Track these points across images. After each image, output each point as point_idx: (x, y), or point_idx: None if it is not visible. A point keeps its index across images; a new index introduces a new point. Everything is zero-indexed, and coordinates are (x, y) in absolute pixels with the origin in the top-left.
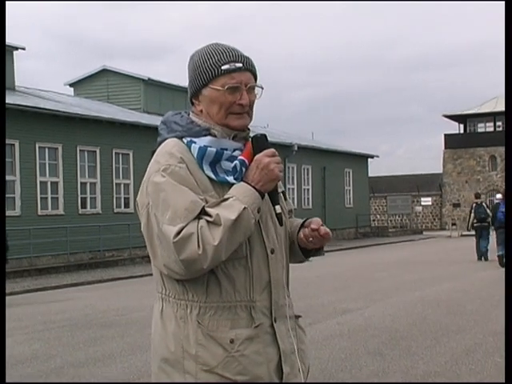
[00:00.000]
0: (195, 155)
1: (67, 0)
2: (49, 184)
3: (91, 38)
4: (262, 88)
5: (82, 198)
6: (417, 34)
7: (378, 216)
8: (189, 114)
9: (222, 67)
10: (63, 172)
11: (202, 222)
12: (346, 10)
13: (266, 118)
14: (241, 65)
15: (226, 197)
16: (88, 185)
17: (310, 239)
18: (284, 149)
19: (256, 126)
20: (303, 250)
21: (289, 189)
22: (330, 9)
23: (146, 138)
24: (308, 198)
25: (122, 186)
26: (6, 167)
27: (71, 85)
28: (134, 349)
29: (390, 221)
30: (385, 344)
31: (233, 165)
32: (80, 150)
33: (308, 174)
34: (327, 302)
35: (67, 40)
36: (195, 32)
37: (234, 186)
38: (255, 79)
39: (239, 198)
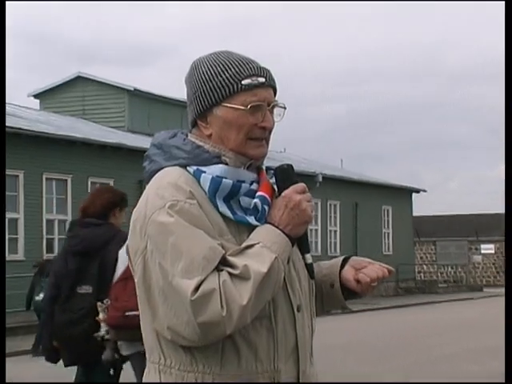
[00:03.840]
0: (206, 188)
1: None
2: (6, 221)
3: (63, 37)
4: (285, 108)
5: (47, 239)
6: (471, 37)
7: (425, 267)
8: (186, 135)
9: (243, 82)
10: (25, 206)
11: (225, 275)
12: (383, 7)
13: (281, 141)
14: (263, 79)
15: (249, 243)
16: (56, 223)
17: (373, 283)
18: (305, 180)
19: (270, 151)
20: (346, 291)
21: (311, 230)
22: (362, 7)
23: (130, 163)
24: (335, 243)
25: None
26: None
27: (37, 96)
28: None
29: (441, 273)
30: None
31: (253, 203)
32: (47, 179)
33: (335, 212)
34: (359, 376)
35: (32, 40)
36: (194, 33)
37: (258, 228)
38: (275, 96)
39: (267, 245)
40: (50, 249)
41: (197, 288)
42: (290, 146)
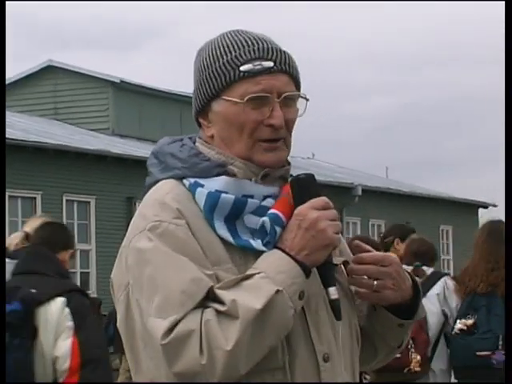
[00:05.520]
0: (202, 205)
1: None
2: None
3: (28, 15)
4: (307, 99)
5: None
6: None
7: None
8: (195, 142)
9: (242, 67)
10: None
11: (209, 314)
12: None
13: (309, 144)
14: (271, 63)
15: (249, 272)
16: None
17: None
18: (341, 193)
19: (295, 157)
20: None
21: None
22: None
23: (117, 176)
24: None
25: (79, 253)
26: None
27: None
28: None
29: None
30: None
31: (260, 222)
32: (10, 197)
33: (380, 234)
34: None
35: None
36: (196, 7)
37: (264, 255)
38: (297, 86)
39: (270, 276)
40: None
41: (171, 329)
42: (320, 150)
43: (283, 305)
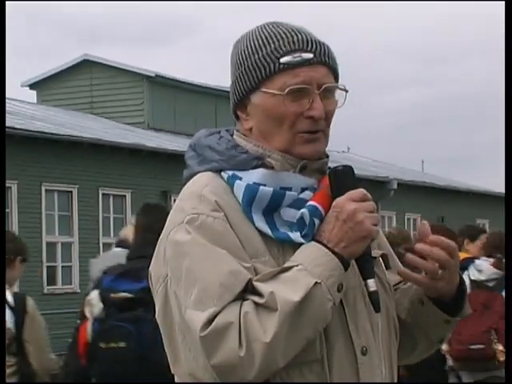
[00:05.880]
0: (240, 198)
1: None
2: None
3: (64, 11)
4: (346, 91)
5: (48, 268)
6: None
7: None
8: (232, 135)
9: (281, 59)
10: (18, 226)
11: (248, 306)
12: None
13: (344, 138)
14: (311, 55)
15: (287, 265)
16: (59, 246)
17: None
18: (376, 187)
19: (330, 151)
20: (439, 303)
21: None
22: None
23: (151, 169)
24: None
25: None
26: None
27: (33, 86)
28: None
29: None
30: None
31: (299, 214)
32: (46, 190)
33: (416, 229)
34: None
35: (24, 16)
36: (231, 2)
37: (302, 247)
38: (335, 78)
39: (308, 268)
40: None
41: (210, 322)
42: (355, 144)
43: (321, 297)
